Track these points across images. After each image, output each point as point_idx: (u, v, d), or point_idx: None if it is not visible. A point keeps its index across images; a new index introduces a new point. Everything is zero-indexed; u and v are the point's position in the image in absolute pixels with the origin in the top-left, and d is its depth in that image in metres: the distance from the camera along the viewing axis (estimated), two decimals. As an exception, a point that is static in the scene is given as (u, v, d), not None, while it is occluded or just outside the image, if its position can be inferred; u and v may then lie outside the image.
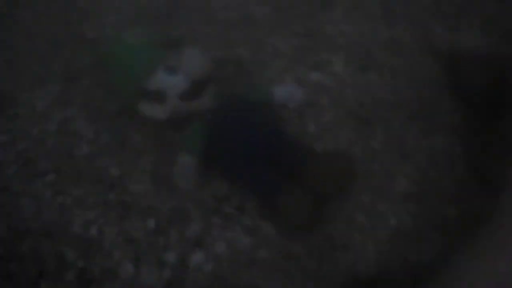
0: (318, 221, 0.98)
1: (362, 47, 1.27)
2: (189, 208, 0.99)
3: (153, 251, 0.94)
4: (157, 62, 1.02)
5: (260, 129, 1.02)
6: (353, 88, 1.19)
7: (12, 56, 1.23)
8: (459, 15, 1.35)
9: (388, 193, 1.06)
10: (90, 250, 0.93)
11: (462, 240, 1.01)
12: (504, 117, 1.14)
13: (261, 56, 1.23)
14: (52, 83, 1.16)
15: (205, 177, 1.02)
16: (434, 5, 1.38)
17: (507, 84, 1.14)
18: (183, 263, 0.93)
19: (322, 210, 0.99)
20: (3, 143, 1.06)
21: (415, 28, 1.31)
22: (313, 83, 1.20)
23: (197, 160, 1.01)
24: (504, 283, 0.78)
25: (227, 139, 1.01)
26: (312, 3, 1.36)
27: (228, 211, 1.00)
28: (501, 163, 1.08)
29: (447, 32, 1.30)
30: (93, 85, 1.14)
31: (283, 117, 1.11)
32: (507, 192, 0.99)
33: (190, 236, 0.96)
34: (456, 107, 1.19)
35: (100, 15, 1.29)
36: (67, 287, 0.89)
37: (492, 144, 1.12)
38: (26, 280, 0.89)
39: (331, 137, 1.12)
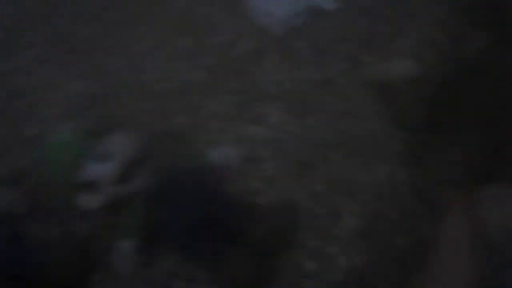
0: (266, 278, 0.98)
1: (296, 94, 1.30)
2: (140, 290, 1.00)
3: None
4: (89, 152, 1.05)
5: (200, 196, 1.04)
6: (292, 135, 1.22)
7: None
8: (390, 44, 1.38)
9: (336, 234, 1.06)
10: None
11: (415, 270, 1.01)
12: (441, 138, 1.14)
13: (199, 121, 1.27)
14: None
15: (151, 256, 1.03)
16: (365, 37, 1.41)
17: (440, 105, 1.16)
18: None
19: (269, 265, 0.99)
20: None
21: (346, 64, 1.34)
22: (251, 138, 1.22)
23: (137, 241, 1.02)
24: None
25: (168, 213, 1.02)
26: (244, 59, 1.41)
27: (179, 285, 1.01)
28: (444, 186, 1.08)
29: (377, 62, 1.32)
30: (38, 185, 1.17)
31: (224, 179, 1.13)
32: (449, 217, 0.99)
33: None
34: (395, 135, 1.20)
35: (38, 112, 1.34)
36: None
37: (434, 167, 1.13)
38: None
39: (274, 189, 1.13)
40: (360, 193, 1.11)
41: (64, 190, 1.07)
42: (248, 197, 1.11)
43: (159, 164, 1.09)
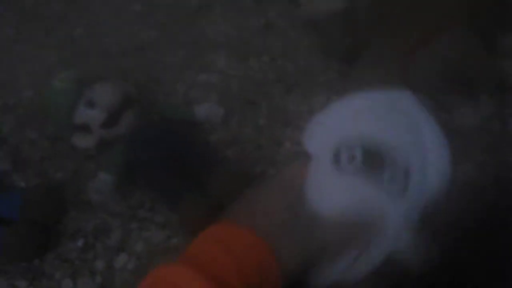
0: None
1: (240, 40, 1.42)
2: (109, 221, 1.17)
3: (84, 264, 1.12)
4: (80, 98, 1.20)
5: (174, 142, 1.18)
6: (236, 78, 1.35)
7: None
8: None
9: (278, 159, 1.20)
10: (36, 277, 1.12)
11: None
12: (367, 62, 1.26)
13: (154, 74, 1.41)
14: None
15: (122, 193, 1.19)
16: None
17: (362, 35, 1.26)
18: (110, 267, 1.10)
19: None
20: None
21: (283, 9, 1.45)
22: (202, 84, 1.36)
23: (114, 177, 1.18)
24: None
25: (144, 156, 1.17)
26: (193, 14, 1.53)
27: (143, 215, 1.17)
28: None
29: (311, 2, 1.43)
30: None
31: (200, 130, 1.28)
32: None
33: (113, 244, 1.13)
34: (329, 66, 1.32)
35: (16, 80, 1.50)
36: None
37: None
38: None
39: (223, 127, 1.27)
40: (299, 122, 1.25)
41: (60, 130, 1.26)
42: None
43: (142, 111, 1.24)
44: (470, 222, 0.84)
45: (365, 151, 0.50)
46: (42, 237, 1.16)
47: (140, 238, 1.14)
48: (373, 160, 0.50)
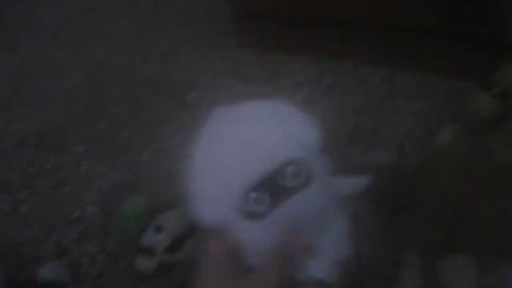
0: None
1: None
2: None
3: None
4: (148, 223, 1.32)
5: None
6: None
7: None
8: (375, 136, 1.63)
9: None
10: None
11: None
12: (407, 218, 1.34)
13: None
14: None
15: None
16: (351, 130, 1.67)
17: (411, 191, 1.37)
18: None
19: None
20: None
21: (336, 155, 1.58)
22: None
23: None
24: None
25: None
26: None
27: None
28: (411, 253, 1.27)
29: (361, 153, 1.57)
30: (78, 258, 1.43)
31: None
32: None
33: None
34: (376, 214, 1.41)
35: (80, 197, 1.63)
36: None
37: (407, 240, 1.33)
38: None
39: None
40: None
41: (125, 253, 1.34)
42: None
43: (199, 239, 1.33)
44: None
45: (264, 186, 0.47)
46: None
47: None
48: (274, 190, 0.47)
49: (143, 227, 1.30)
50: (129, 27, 2.57)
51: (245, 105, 0.54)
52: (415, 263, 1.21)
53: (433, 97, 1.74)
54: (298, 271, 0.51)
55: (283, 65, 2.01)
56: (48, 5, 2.99)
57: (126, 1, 2.81)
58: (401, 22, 1.74)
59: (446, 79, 1.77)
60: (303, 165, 0.48)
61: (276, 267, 0.48)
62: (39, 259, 1.47)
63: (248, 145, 0.49)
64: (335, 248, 0.53)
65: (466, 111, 1.57)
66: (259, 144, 0.49)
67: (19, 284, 1.36)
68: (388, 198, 1.41)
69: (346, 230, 0.56)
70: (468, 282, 1.18)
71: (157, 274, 1.30)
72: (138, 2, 2.78)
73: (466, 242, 1.22)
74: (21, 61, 2.51)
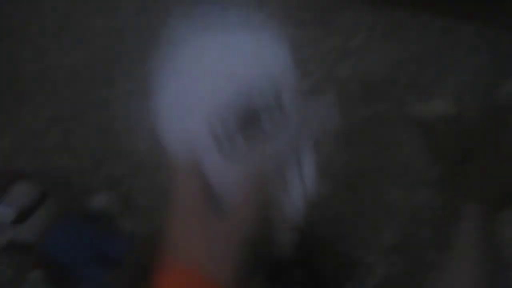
0: None
1: (347, 127, 1.51)
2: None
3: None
4: None
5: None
6: (341, 162, 1.43)
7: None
8: (432, 86, 1.57)
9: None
10: None
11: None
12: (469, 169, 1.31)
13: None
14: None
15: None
16: (409, 79, 1.61)
17: (472, 143, 1.32)
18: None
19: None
20: None
21: (392, 104, 1.54)
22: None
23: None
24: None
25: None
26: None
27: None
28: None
29: (420, 102, 1.52)
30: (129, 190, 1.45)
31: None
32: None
33: None
34: (433, 165, 1.38)
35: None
36: None
37: (466, 193, 1.30)
38: None
39: (321, 207, 1.34)
40: (399, 214, 1.30)
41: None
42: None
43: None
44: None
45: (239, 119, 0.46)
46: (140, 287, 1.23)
47: None
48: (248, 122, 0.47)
49: None
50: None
51: (219, 34, 0.52)
52: (476, 216, 1.18)
53: (496, 51, 1.66)
54: (271, 209, 0.52)
55: (335, 10, 1.94)
56: None
57: None
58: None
59: (510, 33, 1.68)
60: (272, 93, 0.47)
61: (251, 205, 0.48)
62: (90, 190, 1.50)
63: (217, 73, 0.48)
64: (305, 184, 0.54)
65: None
66: (228, 72, 0.48)
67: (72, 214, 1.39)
68: (448, 149, 1.37)
69: (315, 165, 0.57)
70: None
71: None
72: None
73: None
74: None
